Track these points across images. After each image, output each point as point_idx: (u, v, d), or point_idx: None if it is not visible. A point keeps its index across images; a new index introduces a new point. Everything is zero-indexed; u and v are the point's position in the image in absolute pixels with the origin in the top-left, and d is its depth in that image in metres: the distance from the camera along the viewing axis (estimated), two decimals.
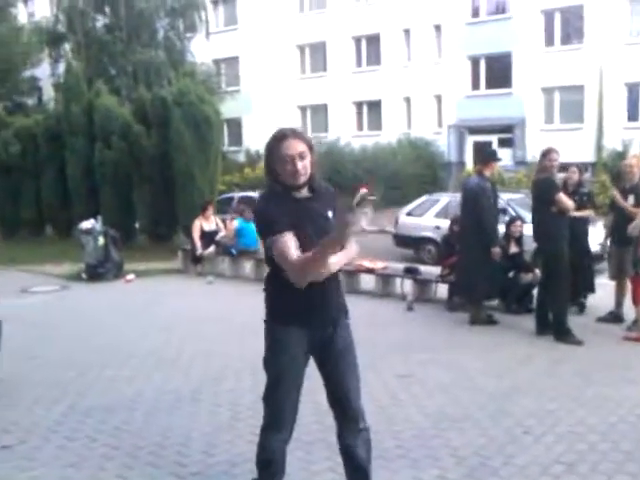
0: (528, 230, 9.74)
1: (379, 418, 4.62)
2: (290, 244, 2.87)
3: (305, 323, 3.08)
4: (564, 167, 8.36)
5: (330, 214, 3.02)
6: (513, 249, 8.21)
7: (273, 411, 3.21)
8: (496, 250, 7.48)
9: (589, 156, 23.30)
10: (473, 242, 7.46)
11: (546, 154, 6.94)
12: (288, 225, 2.89)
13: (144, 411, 5.00)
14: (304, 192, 3.03)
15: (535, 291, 7.61)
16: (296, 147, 2.94)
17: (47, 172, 16.34)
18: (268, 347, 3.16)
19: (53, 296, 10.19)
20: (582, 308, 7.94)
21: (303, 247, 2.89)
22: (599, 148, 23.74)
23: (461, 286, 7.96)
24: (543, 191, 6.84)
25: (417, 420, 4.68)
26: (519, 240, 8.32)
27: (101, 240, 11.47)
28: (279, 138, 2.97)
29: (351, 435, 3.23)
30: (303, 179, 2.98)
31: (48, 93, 30.81)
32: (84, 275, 11.37)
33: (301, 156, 2.94)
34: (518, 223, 8.40)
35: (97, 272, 11.28)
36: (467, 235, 7.60)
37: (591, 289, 7.93)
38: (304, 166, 2.95)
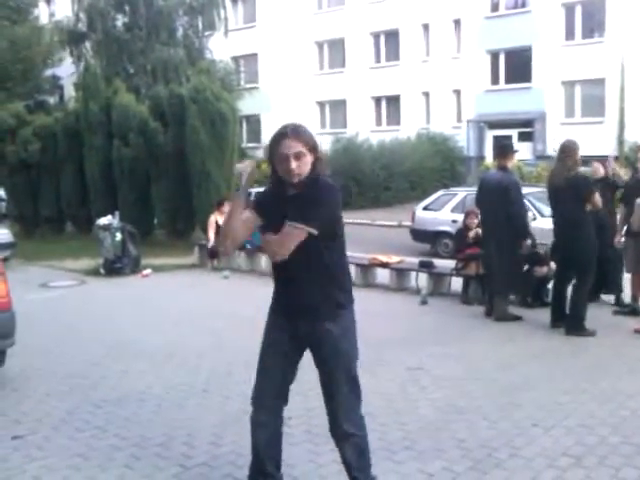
0: (544, 224, 9.68)
1: (386, 410, 4.63)
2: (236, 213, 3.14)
3: (282, 312, 3.27)
4: (585, 161, 8.28)
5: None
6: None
7: (255, 387, 3.37)
8: (527, 242, 7.44)
9: (610, 150, 23.00)
10: (504, 236, 7.34)
11: (576, 149, 6.78)
12: (255, 209, 3.18)
13: (154, 403, 5.03)
14: (296, 189, 3.10)
15: (550, 285, 7.54)
16: (293, 147, 3.00)
17: (66, 169, 16.46)
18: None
19: (71, 291, 10.30)
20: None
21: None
22: (620, 142, 23.46)
23: (496, 281, 7.60)
24: (581, 188, 6.71)
25: (425, 412, 4.65)
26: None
27: (118, 236, 11.58)
28: (279, 136, 3.06)
29: (336, 437, 3.30)
30: (296, 178, 3.05)
31: (69, 92, 31.10)
32: (102, 270, 11.48)
33: (297, 156, 3.01)
34: (530, 215, 8.35)
35: (114, 267, 11.40)
36: (497, 229, 7.41)
37: (618, 288, 7.81)
38: (298, 166, 3.02)
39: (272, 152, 3.08)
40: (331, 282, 3.15)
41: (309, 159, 3.04)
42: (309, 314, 3.15)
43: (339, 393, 3.20)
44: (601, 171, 7.88)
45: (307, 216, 3.00)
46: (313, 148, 3.06)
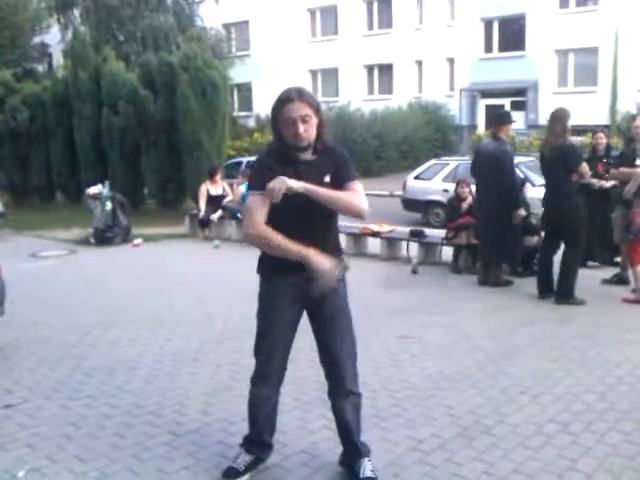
0: (534, 193, 9.70)
1: (376, 378, 4.67)
2: (257, 205, 2.97)
3: (286, 275, 3.11)
4: (581, 131, 8.29)
5: (327, 179, 3.06)
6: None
7: (260, 363, 3.28)
8: (520, 212, 7.47)
9: (603, 119, 22.96)
10: (497, 205, 7.36)
11: (566, 117, 6.70)
12: (264, 185, 2.94)
13: (145, 372, 5.05)
14: (307, 155, 3.06)
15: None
16: (299, 110, 2.94)
17: (56, 138, 16.29)
18: (259, 299, 3.27)
19: (61, 260, 10.26)
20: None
21: (281, 209, 2.94)
22: (613, 111, 23.41)
23: (489, 250, 7.71)
24: (571, 158, 6.64)
25: (414, 380, 4.69)
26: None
27: (109, 205, 11.51)
28: (284, 100, 2.98)
29: (339, 397, 3.29)
30: (305, 142, 3.00)
31: (58, 59, 30.71)
32: (92, 240, 11.44)
33: (304, 119, 2.95)
34: (526, 185, 8.36)
35: (105, 236, 11.36)
36: (491, 199, 7.43)
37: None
38: (306, 129, 2.97)
39: (276, 117, 3.02)
40: (336, 242, 3.26)
41: (315, 121, 3.00)
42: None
43: (344, 351, 3.22)
44: (603, 142, 8.02)
45: (351, 176, 3.08)
46: (317, 110, 3.02)
